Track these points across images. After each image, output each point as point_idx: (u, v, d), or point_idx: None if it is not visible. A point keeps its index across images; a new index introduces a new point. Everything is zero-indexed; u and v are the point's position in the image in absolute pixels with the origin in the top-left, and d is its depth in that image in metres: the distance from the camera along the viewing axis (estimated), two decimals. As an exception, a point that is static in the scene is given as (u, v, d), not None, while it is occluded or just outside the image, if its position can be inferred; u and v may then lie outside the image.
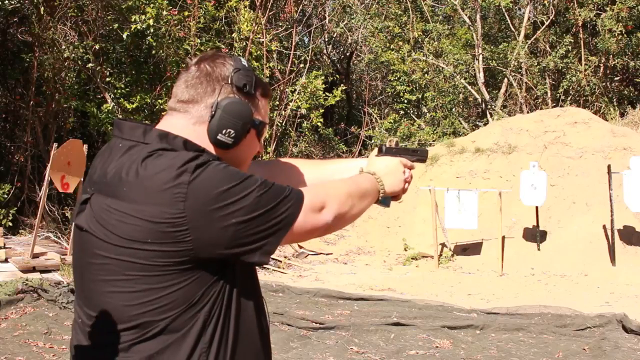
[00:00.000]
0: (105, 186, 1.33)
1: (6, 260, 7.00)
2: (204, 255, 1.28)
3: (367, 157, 1.74)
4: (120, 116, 10.33)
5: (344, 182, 1.53)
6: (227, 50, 10.71)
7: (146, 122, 1.48)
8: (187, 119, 1.40)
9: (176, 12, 10.20)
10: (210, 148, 1.39)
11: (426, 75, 13.68)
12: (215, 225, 1.26)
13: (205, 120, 1.39)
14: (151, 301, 1.29)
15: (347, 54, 17.00)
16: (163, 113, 10.04)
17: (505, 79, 13.58)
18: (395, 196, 1.66)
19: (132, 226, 1.27)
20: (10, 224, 9.28)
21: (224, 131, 1.38)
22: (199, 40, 10.37)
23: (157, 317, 1.29)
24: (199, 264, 1.29)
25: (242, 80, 1.40)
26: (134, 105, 10.26)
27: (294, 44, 12.36)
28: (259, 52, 11.20)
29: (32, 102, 10.12)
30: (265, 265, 7.31)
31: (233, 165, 1.41)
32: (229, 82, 1.39)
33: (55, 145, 7.31)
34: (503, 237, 8.21)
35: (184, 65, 1.48)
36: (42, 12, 9.62)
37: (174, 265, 1.28)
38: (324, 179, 1.69)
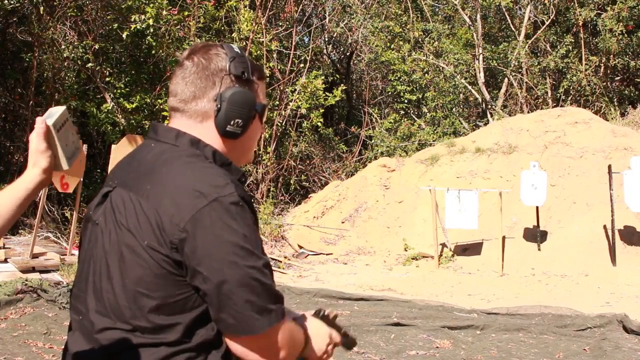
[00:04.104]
0: (130, 181, 1.35)
1: (5, 261, 6.97)
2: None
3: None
4: (120, 116, 10.32)
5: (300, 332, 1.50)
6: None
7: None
8: (193, 118, 1.40)
9: (176, 12, 10.19)
10: (219, 141, 1.40)
11: (426, 75, 13.66)
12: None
13: (211, 115, 1.39)
14: (161, 305, 1.27)
15: (347, 53, 16.98)
16: (163, 113, 10.09)
17: (506, 79, 13.57)
18: None
19: (140, 222, 1.28)
20: (10, 224, 9.25)
21: (232, 122, 1.38)
22: (198, 40, 10.34)
23: (164, 321, 1.28)
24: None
25: (239, 68, 1.39)
26: (133, 105, 10.24)
27: (294, 43, 12.35)
28: (259, 52, 11.18)
29: (31, 102, 10.10)
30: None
31: (242, 151, 1.45)
32: (228, 72, 1.39)
33: (54, 145, 7.27)
34: (503, 237, 8.19)
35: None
36: (41, 12, 9.60)
37: (169, 272, 1.27)
38: None
